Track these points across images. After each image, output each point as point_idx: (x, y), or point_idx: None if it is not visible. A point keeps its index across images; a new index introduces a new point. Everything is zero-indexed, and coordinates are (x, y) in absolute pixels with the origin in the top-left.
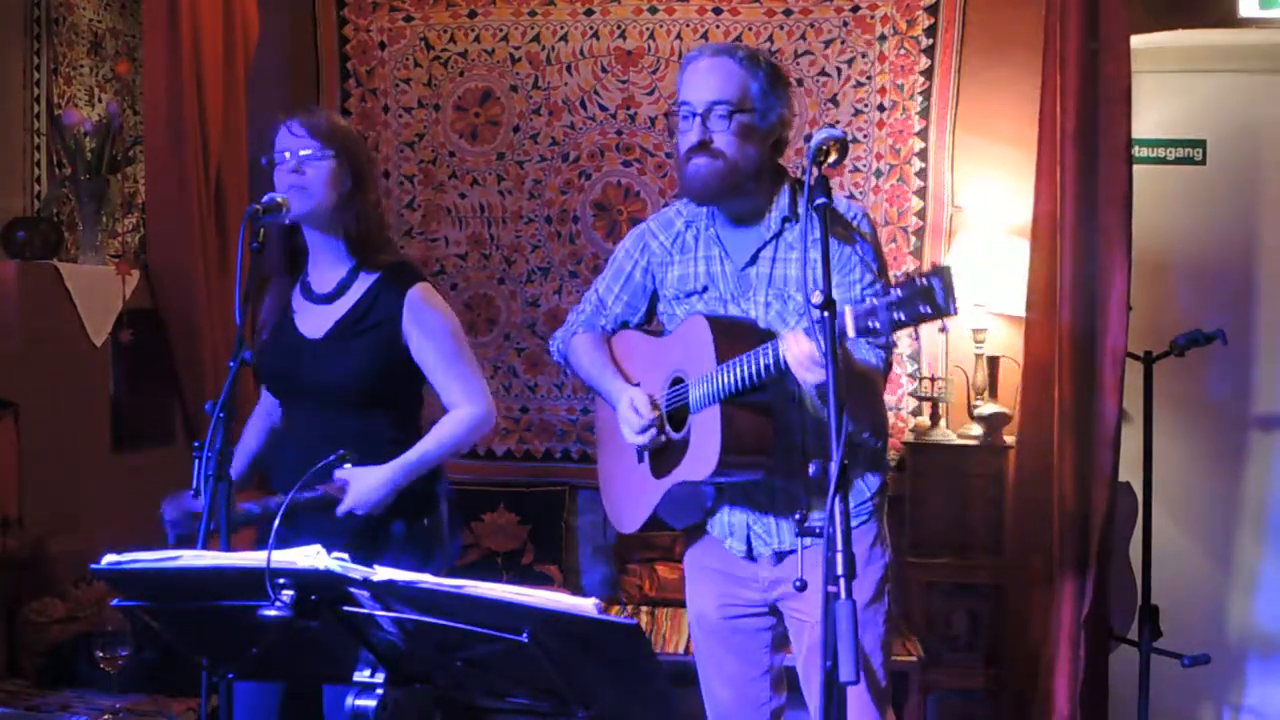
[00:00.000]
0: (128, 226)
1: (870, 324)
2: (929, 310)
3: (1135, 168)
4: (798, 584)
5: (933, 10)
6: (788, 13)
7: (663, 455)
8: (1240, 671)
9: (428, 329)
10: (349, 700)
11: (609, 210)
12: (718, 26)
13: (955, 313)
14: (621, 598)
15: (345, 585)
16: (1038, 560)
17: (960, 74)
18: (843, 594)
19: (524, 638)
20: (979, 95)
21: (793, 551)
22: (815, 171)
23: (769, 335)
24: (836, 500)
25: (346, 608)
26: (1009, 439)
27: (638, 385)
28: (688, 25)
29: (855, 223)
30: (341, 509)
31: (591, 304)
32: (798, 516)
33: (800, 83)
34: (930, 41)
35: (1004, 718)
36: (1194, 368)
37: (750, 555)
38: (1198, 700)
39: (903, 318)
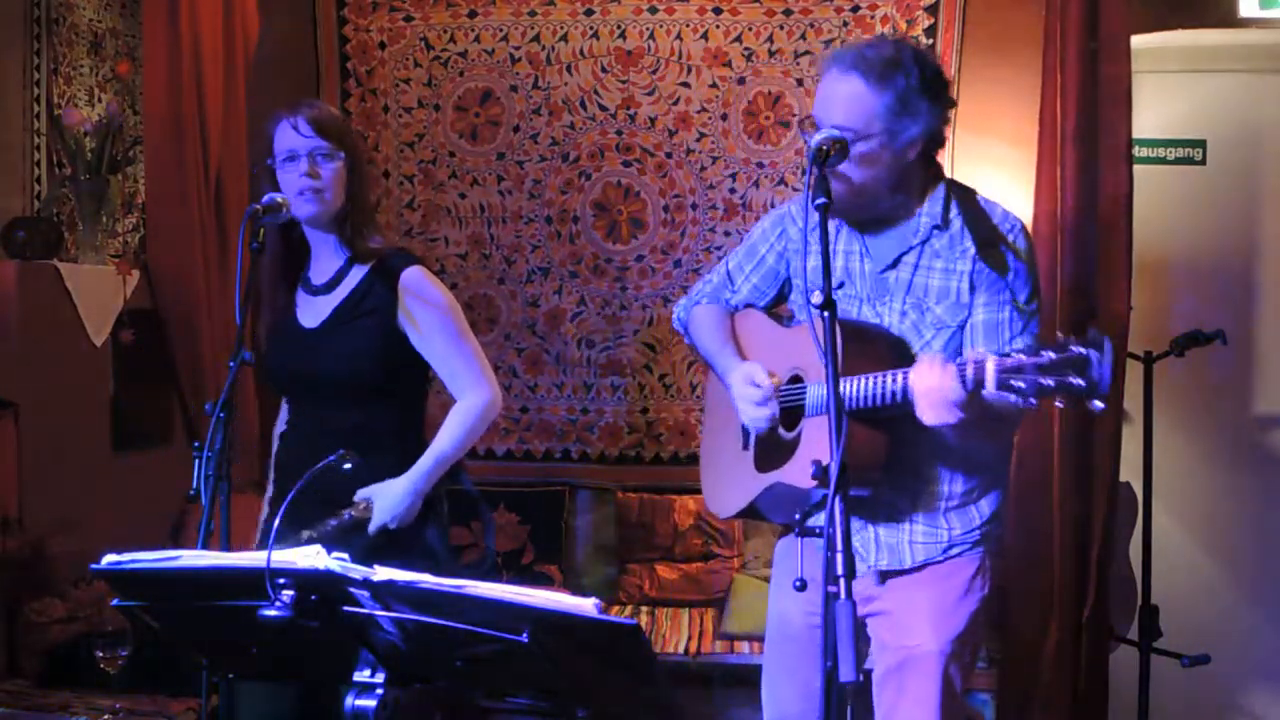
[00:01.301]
0: (128, 226)
1: (1014, 383)
2: (1081, 385)
3: (1135, 168)
4: (797, 584)
5: (933, 10)
6: (788, 13)
7: (769, 449)
8: (1240, 671)
9: (425, 310)
10: (349, 700)
11: (609, 210)
12: (718, 26)
13: (1107, 391)
14: (621, 598)
15: (345, 585)
16: (1038, 560)
17: (960, 74)
18: (842, 594)
19: (524, 638)
20: (979, 95)
21: (905, 571)
22: (816, 172)
23: (901, 347)
24: (836, 500)
25: (346, 608)
26: None
27: None
28: (688, 25)
29: (1011, 236)
30: (373, 526)
31: (720, 276)
32: (797, 516)
33: (800, 83)
34: (930, 41)
35: (1004, 718)
36: (1194, 368)
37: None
38: (1198, 700)
39: (1050, 384)
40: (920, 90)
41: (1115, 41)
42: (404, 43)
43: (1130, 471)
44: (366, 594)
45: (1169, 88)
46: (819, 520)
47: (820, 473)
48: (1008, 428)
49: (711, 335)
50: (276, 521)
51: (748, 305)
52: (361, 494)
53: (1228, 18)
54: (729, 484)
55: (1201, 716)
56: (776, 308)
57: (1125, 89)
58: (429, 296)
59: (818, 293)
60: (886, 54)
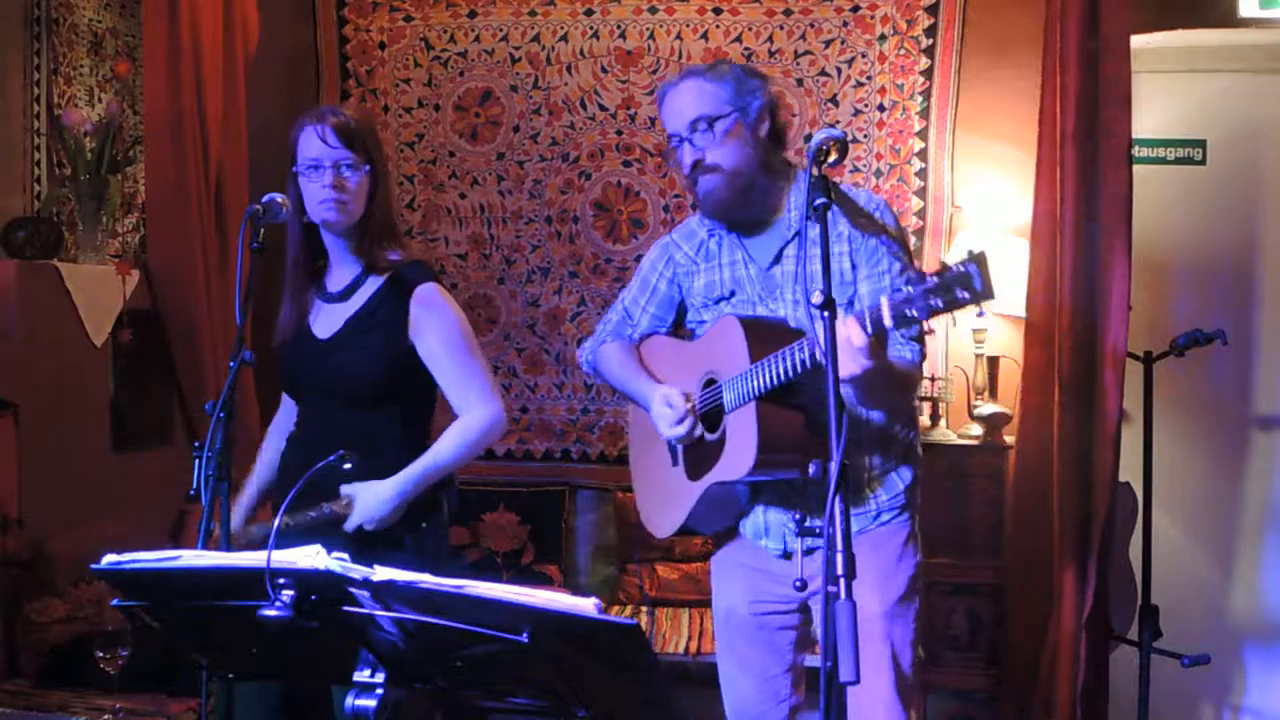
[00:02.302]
0: (128, 226)
1: (908, 312)
2: (966, 295)
3: (1135, 168)
4: (797, 584)
5: (933, 10)
6: (788, 13)
7: (698, 456)
8: (1240, 671)
9: (435, 327)
10: (349, 700)
11: (609, 210)
12: (718, 26)
13: (993, 296)
14: (621, 598)
15: (345, 585)
16: (1038, 560)
17: (960, 74)
18: (842, 594)
19: (524, 638)
20: (979, 95)
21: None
22: (816, 171)
23: (800, 334)
24: (836, 500)
25: (346, 608)
26: (1009, 439)
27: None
28: (688, 25)
29: (878, 214)
30: (350, 524)
31: (618, 314)
32: (797, 516)
33: (800, 83)
34: (930, 41)
35: (1004, 718)
36: (1194, 368)
37: (786, 554)
38: (1198, 700)
39: (939, 304)
40: (746, 74)
41: (1115, 41)
42: (404, 43)
43: (1130, 471)
44: (366, 594)
45: (1169, 88)
46: (818, 520)
47: (820, 472)
48: (907, 390)
49: (622, 367)
50: (277, 521)
51: (651, 334)
52: (345, 490)
53: (1228, 18)
54: (666, 501)
55: (1201, 716)
56: (677, 332)
57: (1125, 89)
58: (440, 314)
59: (818, 293)
60: (706, 64)
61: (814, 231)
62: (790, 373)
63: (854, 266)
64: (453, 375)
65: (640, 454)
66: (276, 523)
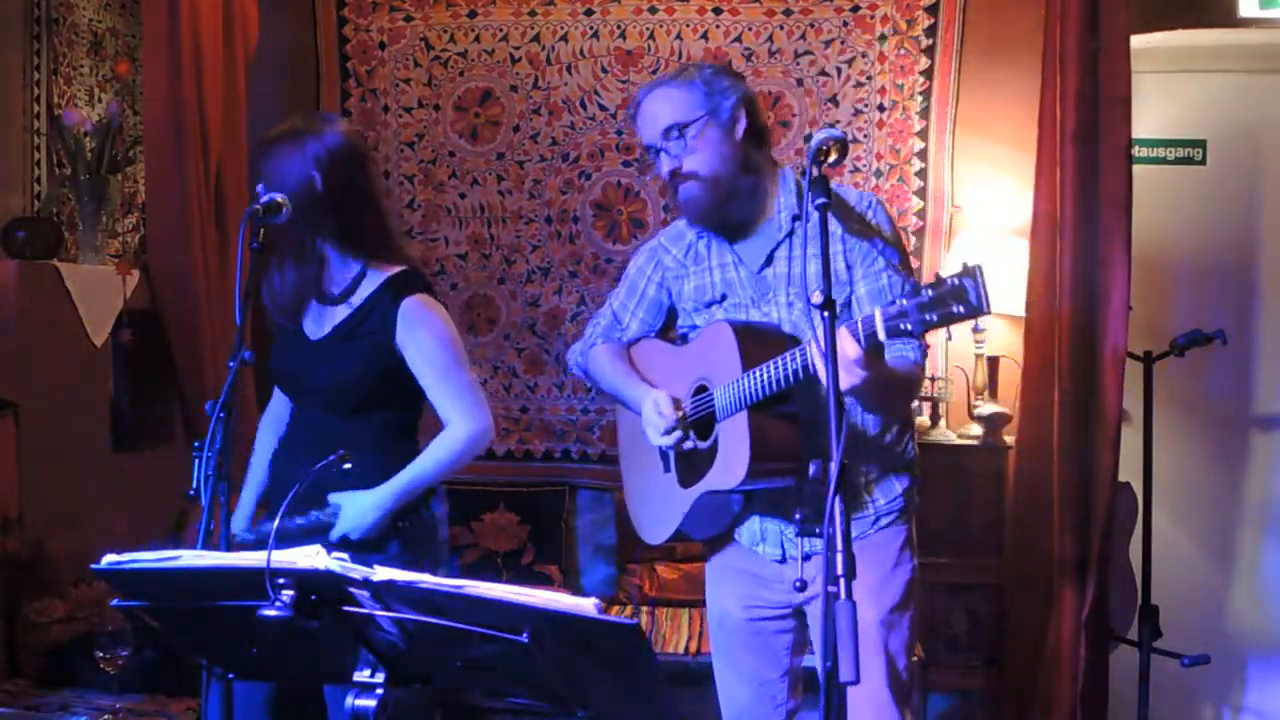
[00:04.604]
0: (128, 226)
1: (902, 325)
2: (962, 310)
3: (1135, 168)
4: (797, 584)
5: (933, 10)
6: (788, 13)
7: (690, 464)
8: (1240, 671)
9: (422, 340)
10: (349, 700)
11: (609, 210)
12: (718, 26)
13: (989, 310)
14: (621, 598)
15: (345, 585)
16: (1038, 560)
17: (960, 74)
18: (842, 594)
19: (524, 638)
20: (979, 95)
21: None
22: (816, 171)
23: (794, 340)
24: (836, 500)
25: (346, 608)
26: (1009, 439)
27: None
28: (688, 25)
29: (870, 212)
30: (334, 534)
31: (606, 318)
32: (798, 517)
33: (800, 83)
34: (930, 41)
35: (1004, 718)
36: (1194, 368)
37: (782, 559)
38: (1198, 700)
39: (934, 318)
40: (716, 74)
41: (1115, 41)
42: (404, 43)
43: (1130, 471)
44: (366, 594)
45: (1169, 88)
46: (813, 519)
47: (820, 472)
48: (908, 393)
49: (614, 370)
50: (276, 521)
51: (641, 337)
52: (334, 499)
53: (1228, 18)
54: (658, 508)
55: (1201, 716)
56: (666, 335)
57: (1125, 89)
58: (426, 327)
59: (818, 293)
60: (675, 69)
61: (811, 231)
62: (784, 382)
63: (849, 267)
64: (437, 388)
65: (631, 459)
66: (275, 524)
